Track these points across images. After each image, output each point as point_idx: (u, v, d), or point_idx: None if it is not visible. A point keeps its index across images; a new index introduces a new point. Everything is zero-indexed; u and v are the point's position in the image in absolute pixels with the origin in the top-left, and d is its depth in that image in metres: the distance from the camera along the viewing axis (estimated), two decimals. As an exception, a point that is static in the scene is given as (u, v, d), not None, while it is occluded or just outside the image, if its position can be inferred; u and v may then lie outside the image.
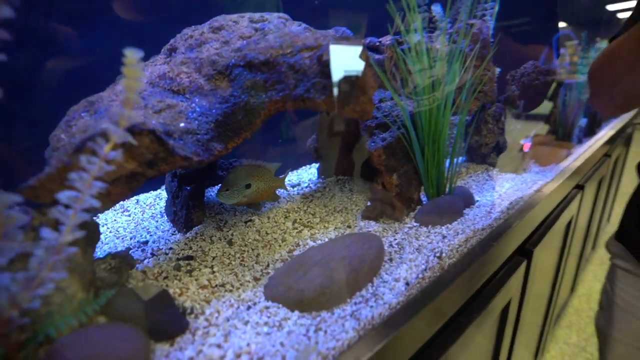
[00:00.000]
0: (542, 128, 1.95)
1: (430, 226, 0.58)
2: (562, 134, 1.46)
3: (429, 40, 0.75)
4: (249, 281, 0.46)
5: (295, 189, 0.78)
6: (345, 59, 0.47)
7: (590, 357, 1.53)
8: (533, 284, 0.93)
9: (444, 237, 0.55)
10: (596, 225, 1.94)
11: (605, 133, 1.75)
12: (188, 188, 0.61)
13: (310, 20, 0.64)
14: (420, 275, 0.47)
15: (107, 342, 0.32)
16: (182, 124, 0.45)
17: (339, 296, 0.42)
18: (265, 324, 0.37)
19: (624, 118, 2.31)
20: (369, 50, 0.70)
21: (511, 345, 0.89)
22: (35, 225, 0.37)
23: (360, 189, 0.73)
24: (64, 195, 0.32)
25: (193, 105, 0.48)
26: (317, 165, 0.90)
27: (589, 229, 1.73)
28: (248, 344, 0.34)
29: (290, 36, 0.52)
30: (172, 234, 0.61)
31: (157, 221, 0.68)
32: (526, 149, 1.04)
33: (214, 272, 0.48)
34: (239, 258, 0.52)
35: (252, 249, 0.55)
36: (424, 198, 0.66)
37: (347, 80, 0.45)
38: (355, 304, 0.42)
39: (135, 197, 0.80)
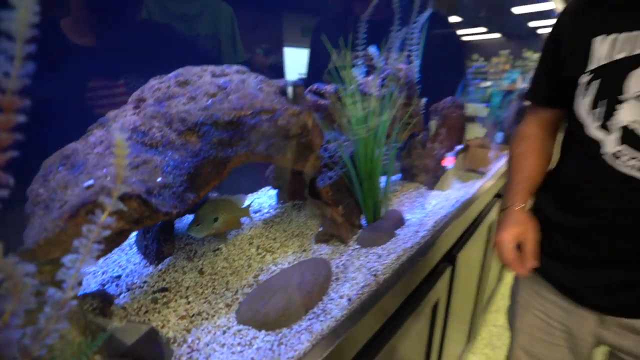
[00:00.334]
0: (479, 131, 2.23)
1: (369, 247, 0.72)
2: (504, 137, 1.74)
3: (365, 85, 0.89)
4: (221, 308, 0.56)
5: (257, 214, 0.88)
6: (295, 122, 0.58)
7: (512, 336, 1.81)
8: (460, 282, 1.12)
9: (379, 256, 0.69)
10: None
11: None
12: (159, 223, 0.68)
13: (264, 28, 0.74)
14: (360, 291, 0.60)
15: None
16: (159, 179, 0.53)
17: (297, 315, 0.53)
18: (239, 344, 0.47)
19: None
20: (316, 95, 0.82)
21: (442, 335, 1.07)
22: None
23: (313, 215, 0.85)
24: (67, 259, 0.39)
25: (167, 159, 0.56)
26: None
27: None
28: (226, 362, 0.44)
29: (250, 98, 0.62)
30: (145, 267, 0.68)
31: (126, 254, 0.73)
32: (449, 164, 1.24)
33: (189, 302, 0.57)
34: (210, 287, 0.61)
35: (222, 277, 0.64)
36: (364, 222, 0.80)
37: (299, 142, 0.57)
38: (309, 319, 0.53)
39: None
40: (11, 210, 0.45)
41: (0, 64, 0.23)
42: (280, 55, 1.20)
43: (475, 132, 2.17)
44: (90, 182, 0.51)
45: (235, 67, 0.74)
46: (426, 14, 1.09)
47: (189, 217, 0.79)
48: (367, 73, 1.04)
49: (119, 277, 0.65)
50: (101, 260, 0.71)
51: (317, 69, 1.17)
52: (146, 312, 0.54)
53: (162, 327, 0.51)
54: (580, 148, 0.67)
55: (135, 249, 0.75)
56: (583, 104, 0.65)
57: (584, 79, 0.64)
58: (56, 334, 0.40)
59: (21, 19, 0.24)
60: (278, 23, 1.15)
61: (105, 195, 0.42)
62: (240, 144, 0.58)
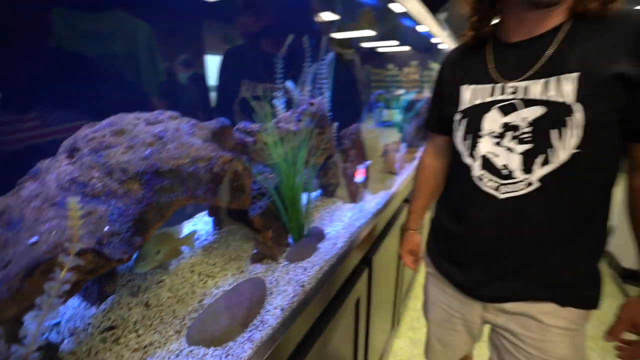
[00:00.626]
0: (396, 135, 2.52)
1: (296, 262, 0.87)
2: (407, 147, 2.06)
3: (284, 120, 1.04)
4: (172, 335, 0.64)
5: (197, 242, 0.95)
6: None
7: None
8: (378, 280, 1.31)
9: (305, 269, 0.85)
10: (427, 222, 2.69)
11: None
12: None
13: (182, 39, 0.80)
14: (291, 301, 0.74)
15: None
16: (106, 228, 0.59)
17: (239, 329, 0.65)
18: (192, 361, 0.57)
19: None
20: (244, 134, 0.94)
21: (367, 326, 1.25)
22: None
23: (247, 238, 0.97)
24: (30, 316, 0.45)
25: (111, 208, 0.62)
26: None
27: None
28: (183, 378, 0.54)
29: (187, 147, 0.71)
30: (86, 309, 0.71)
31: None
32: (359, 178, 1.45)
33: (139, 335, 0.64)
34: (158, 317, 0.68)
35: (168, 306, 0.71)
36: (291, 241, 0.95)
37: (232, 185, 0.68)
38: (250, 331, 0.66)
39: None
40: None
41: None
42: (201, 65, 1.25)
43: (393, 136, 2.47)
44: (35, 239, 0.55)
45: (167, 113, 0.82)
46: (331, 54, 1.29)
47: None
48: (287, 105, 1.20)
49: (58, 323, 0.67)
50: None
51: (227, 98, 1.28)
52: (97, 352, 0.60)
53: (118, 360, 0.57)
54: (459, 171, 0.80)
55: (70, 291, 0.76)
56: (458, 137, 0.79)
57: (457, 117, 0.78)
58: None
59: None
60: (197, 32, 1.20)
61: (60, 252, 0.48)
62: (180, 189, 0.67)
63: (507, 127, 0.70)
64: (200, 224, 1.08)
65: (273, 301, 0.74)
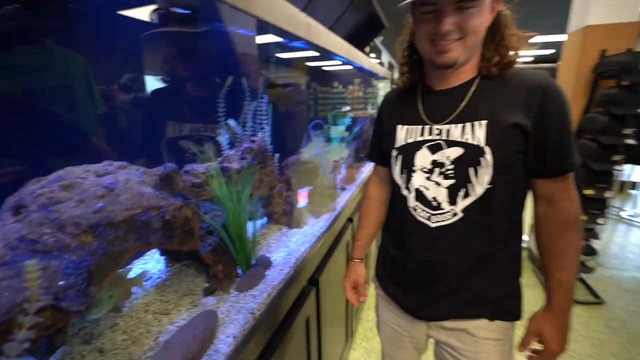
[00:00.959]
0: (345, 152, 2.68)
1: (245, 292, 0.96)
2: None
3: (228, 159, 1.14)
4: (130, 374, 0.69)
5: (149, 282, 0.99)
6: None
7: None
8: (328, 297, 1.40)
9: (254, 297, 0.94)
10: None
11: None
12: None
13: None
14: (242, 328, 0.84)
15: None
16: (61, 282, 0.63)
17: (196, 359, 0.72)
18: (151, 395, 0.64)
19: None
20: (192, 176, 1.02)
21: (319, 342, 1.34)
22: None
23: (199, 272, 1.03)
24: (-5, 372, 0.49)
25: (64, 262, 0.67)
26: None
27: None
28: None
29: (139, 197, 0.78)
30: (36, 361, 0.72)
31: (8, 353, 0.75)
32: (301, 203, 1.57)
33: (96, 378, 0.68)
34: (114, 360, 0.73)
35: (124, 349, 0.76)
36: (240, 272, 1.04)
37: (182, 230, 0.77)
38: (205, 360, 0.73)
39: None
40: None
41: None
42: (141, 87, 1.28)
43: (342, 152, 2.64)
44: (-12, 299, 0.58)
45: (116, 164, 0.88)
46: (266, 97, 1.43)
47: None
48: (230, 143, 1.30)
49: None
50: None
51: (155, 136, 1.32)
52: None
53: (77, 405, 0.61)
54: (399, 202, 0.87)
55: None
56: (395, 171, 0.86)
57: (394, 153, 0.86)
58: None
59: None
60: (135, 55, 1.23)
61: (18, 313, 0.53)
62: (134, 237, 0.74)
63: (435, 164, 0.78)
64: (152, 262, 1.11)
65: (226, 330, 0.82)
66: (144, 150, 1.28)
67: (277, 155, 1.47)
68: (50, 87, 1.04)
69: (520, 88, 0.73)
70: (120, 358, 0.73)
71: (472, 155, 0.74)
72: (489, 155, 0.72)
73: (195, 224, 0.80)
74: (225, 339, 0.80)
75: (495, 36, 0.76)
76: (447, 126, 0.78)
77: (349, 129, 2.36)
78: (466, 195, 0.76)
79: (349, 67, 3.33)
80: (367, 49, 4.48)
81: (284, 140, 1.82)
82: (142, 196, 0.79)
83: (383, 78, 3.88)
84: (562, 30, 3.19)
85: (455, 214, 0.77)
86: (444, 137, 0.77)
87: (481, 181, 0.74)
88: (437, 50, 0.73)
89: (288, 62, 2.10)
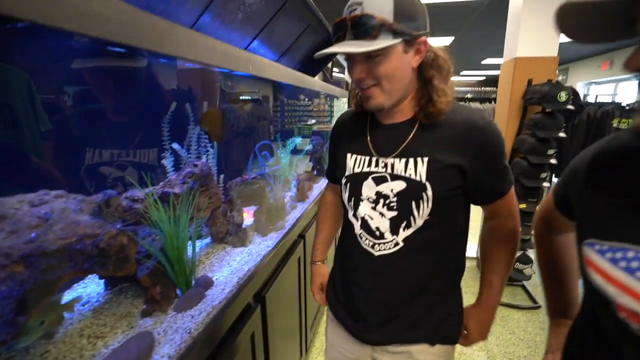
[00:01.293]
0: (307, 165, 2.75)
1: (184, 312, 1.02)
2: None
3: (169, 184, 1.20)
4: (59, 398, 0.72)
5: (86, 305, 1.01)
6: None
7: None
8: (277, 313, 1.44)
9: (192, 317, 1.00)
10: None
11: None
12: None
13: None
14: (178, 348, 0.89)
15: None
16: (-12, 313, 0.66)
17: (126, 380, 0.77)
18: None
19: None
20: (132, 201, 1.07)
21: (266, 356, 1.38)
22: None
23: (138, 295, 1.07)
24: None
25: (-8, 293, 0.69)
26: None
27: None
28: None
29: (74, 226, 0.82)
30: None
31: None
32: (247, 220, 1.62)
33: (24, 404, 0.70)
34: (44, 386, 0.75)
35: (54, 374, 0.78)
36: (180, 293, 1.09)
37: (118, 257, 0.82)
38: (137, 380, 0.78)
39: None
40: None
41: None
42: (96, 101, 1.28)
43: (304, 166, 2.69)
44: None
45: (53, 193, 0.91)
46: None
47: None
48: (174, 166, 1.36)
49: None
50: None
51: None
52: None
53: None
54: (348, 226, 0.90)
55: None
56: (345, 197, 0.88)
57: (344, 180, 0.88)
58: None
59: None
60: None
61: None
62: (68, 265, 0.78)
63: (380, 195, 0.80)
64: (92, 285, 1.13)
65: (161, 350, 0.87)
66: (86, 175, 1.29)
67: (222, 177, 1.54)
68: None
69: (457, 129, 0.76)
70: (50, 383, 0.76)
71: (414, 189, 0.77)
72: (429, 191, 0.76)
73: (130, 250, 0.85)
74: (160, 358, 0.85)
75: (427, 82, 0.78)
76: (391, 160, 0.80)
77: (296, 148, 2.46)
78: (407, 226, 0.79)
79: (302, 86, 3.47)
80: (330, 64, 4.69)
81: (230, 162, 1.90)
82: (77, 225, 0.83)
83: (338, 97, 4.09)
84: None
85: (397, 244, 0.80)
86: (389, 171, 0.80)
87: (422, 214, 0.78)
88: (364, 95, 0.77)
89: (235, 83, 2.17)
